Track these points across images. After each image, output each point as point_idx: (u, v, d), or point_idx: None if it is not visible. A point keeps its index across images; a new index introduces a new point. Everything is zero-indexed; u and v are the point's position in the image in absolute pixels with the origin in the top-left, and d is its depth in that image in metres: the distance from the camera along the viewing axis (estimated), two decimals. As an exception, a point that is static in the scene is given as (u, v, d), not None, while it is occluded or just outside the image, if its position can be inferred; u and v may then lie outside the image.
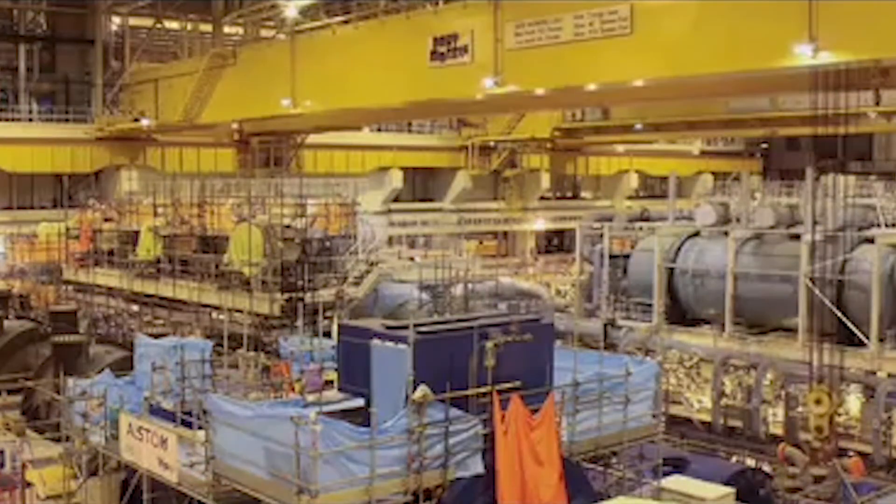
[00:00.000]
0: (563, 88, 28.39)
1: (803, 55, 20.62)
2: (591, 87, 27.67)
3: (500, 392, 12.87)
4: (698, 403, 26.32)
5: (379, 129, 59.44)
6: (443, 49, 28.85)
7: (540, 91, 28.87)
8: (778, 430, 24.09)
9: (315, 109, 36.66)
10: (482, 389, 12.91)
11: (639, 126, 51.32)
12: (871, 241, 23.70)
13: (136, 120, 46.10)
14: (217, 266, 29.79)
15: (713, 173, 67.02)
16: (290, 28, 40.45)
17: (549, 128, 55.75)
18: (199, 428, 13.49)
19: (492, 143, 58.34)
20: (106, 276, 35.75)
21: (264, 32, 49.46)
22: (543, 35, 26.01)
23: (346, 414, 12.98)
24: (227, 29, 49.86)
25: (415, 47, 29.82)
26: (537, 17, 26.12)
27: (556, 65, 26.01)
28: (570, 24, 25.22)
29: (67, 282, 38.44)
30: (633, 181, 68.77)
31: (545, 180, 64.16)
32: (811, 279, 23.83)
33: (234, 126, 47.56)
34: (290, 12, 40.55)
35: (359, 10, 39.39)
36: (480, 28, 27.76)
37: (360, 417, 12.78)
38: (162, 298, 32.31)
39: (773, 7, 21.35)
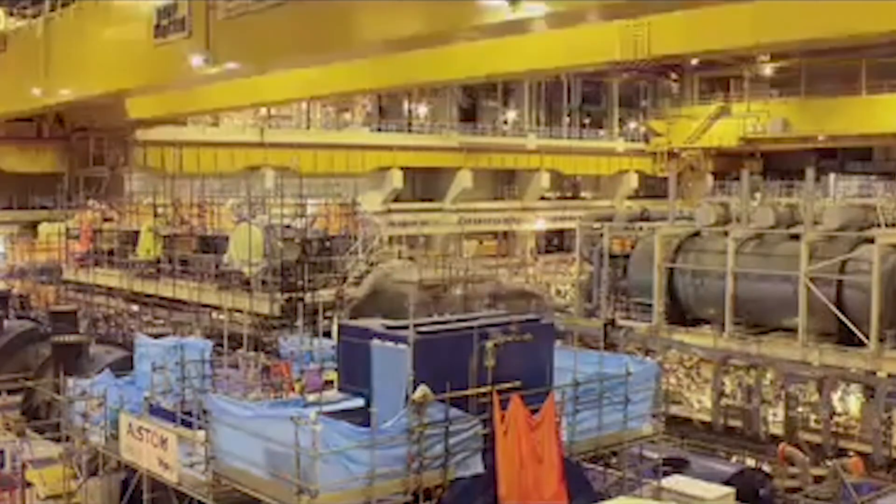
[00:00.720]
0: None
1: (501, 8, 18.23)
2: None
3: (500, 392, 12.86)
4: (698, 403, 26.32)
5: (379, 129, 59.56)
6: (164, 22, 25.41)
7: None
8: (778, 430, 24.08)
9: (66, 99, 33.69)
10: (482, 389, 12.91)
11: (821, 137, 56.35)
12: (871, 241, 23.68)
13: None
14: (217, 266, 29.80)
15: (713, 174, 67.33)
16: (45, 12, 36.40)
17: (737, 138, 63.85)
18: (199, 428, 13.48)
19: (675, 150, 67.35)
20: (106, 276, 35.75)
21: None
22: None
23: (346, 414, 12.97)
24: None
25: (141, 22, 26.62)
26: None
27: (270, 36, 22.57)
28: None
29: (67, 282, 38.43)
30: (633, 181, 68.88)
31: (545, 180, 64.35)
32: (811, 279, 23.87)
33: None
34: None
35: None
36: None
37: (360, 417, 12.77)
38: (162, 298, 32.31)
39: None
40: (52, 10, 34.68)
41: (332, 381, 15.01)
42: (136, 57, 27.49)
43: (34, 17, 37.95)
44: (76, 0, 32.63)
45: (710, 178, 66.91)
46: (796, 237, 24.97)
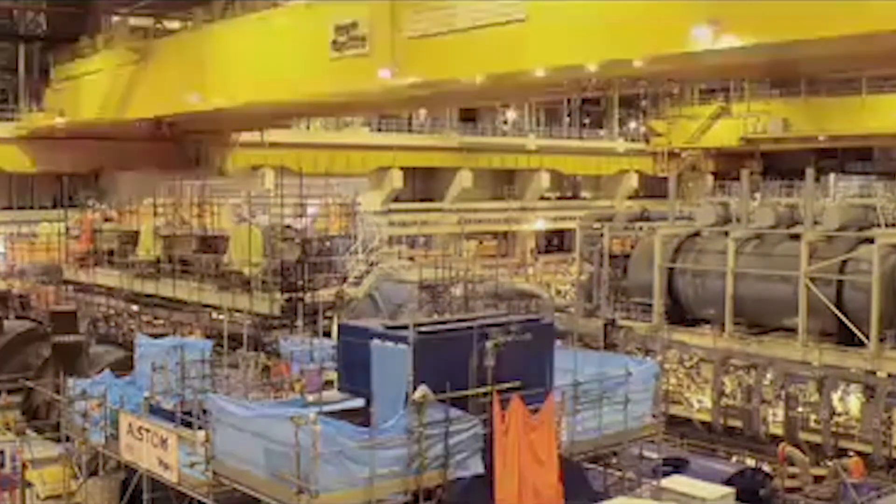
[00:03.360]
0: (451, 80, 26.91)
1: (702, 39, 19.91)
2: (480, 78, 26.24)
3: (500, 392, 12.87)
4: (698, 403, 26.32)
5: (379, 129, 59.51)
6: (343, 39, 27.26)
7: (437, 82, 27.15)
8: (778, 430, 24.08)
9: (223, 105, 34.67)
10: (482, 389, 12.91)
11: (821, 137, 56.24)
12: (871, 241, 23.68)
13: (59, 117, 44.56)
14: (217, 266, 29.79)
15: (713, 173, 67.34)
16: (198, 18, 37.97)
17: (738, 138, 63.51)
18: (199, 428, 13.49)
19: (676, 150, 67.09)
20: (106, 276, 35.75)
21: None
22: (439, 23, 24.45)
23: (346, 414, 12.98)
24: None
25: (316, 37, 28.25)
26: (433, 5, 24.72)
27: (450, 54, 24.70)
28: (465, 12, 23.90)
29: (67, 282, 38.43)
30: (634, 181, 68.89)
31: (545, 180, 64.36)
32: (811, 279, 23.86)
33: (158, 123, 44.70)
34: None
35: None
36: (378, 15, 26.10)
37: (360, 417, 12.78)
38: (162, 298, 32.30)
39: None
40: (210, 19, 36.12)
41: (332, 381, 15.02)
42: (309, 69, 29.19)
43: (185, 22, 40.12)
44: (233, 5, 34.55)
45: (710, 178, 66.91)
46: (796, 237, 24.96)
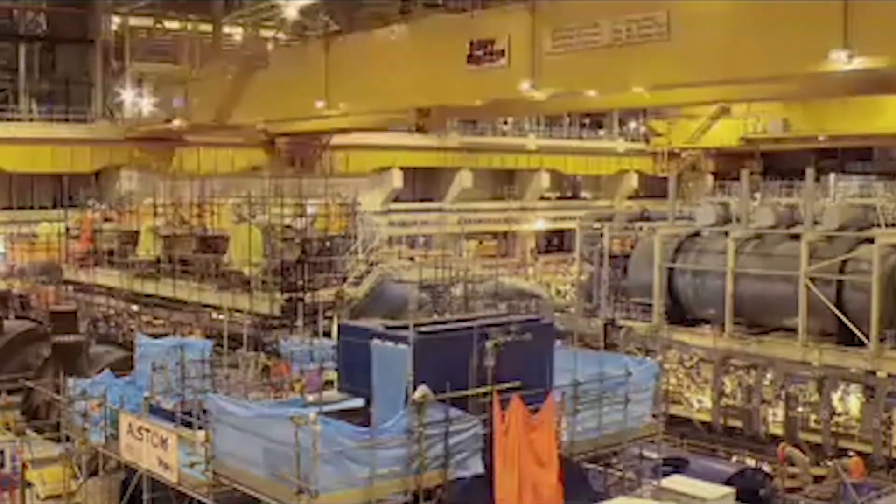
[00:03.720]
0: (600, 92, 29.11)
1: (838, 60, 21.00)
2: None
3: (500, 392, 12.87)
4: (698, 403, 26.32)
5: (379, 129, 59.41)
6: (479, 53, 29.35)
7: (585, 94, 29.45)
8: (778, 430, 24.09)
9: (349, 111, 37.02)
10: (482, 389, 12.91)
11: (822, 137, 56.07)
12: (871, 241, 23.68)
13: (168, 121, 45.95)
14: (217, 266, 29.79)
15: (713, 173, 67.30)
16: (323, 30, 40.83)
17: (738, 138, 63.01)
18: (199, 428, 13.49)
19: (677, 150, 66.58)
20: (106, 276, 35.76)
21: (264, 32, 49.32)
22: (581, 40, 26.61)
23: (346, 414, 12.97)
24: (226, 29, 49.81)
25: (451, 50, 30.24)
26: (575, 23, 26.72)
27: (593, 69, 26.66)
28: (608, 30, 25.79)
29: (67, 282, 38.44)
30: (634, 181, 68.86)
31: (545, 180, 64.35)
32: (811, 279, 23.86)
33: (260, 127, 47.18)
34: (290, 12, 40.44)
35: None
36: (517, 32, 28.30)
37: (360, 417, 12.78)
38: (162, 298, 32.31)
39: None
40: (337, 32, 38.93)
41: (332, 381, 15.02)
42: (444, 79, 31.18)
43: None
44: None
45: (710, 178, 66.87)
46: (796, 237, 24.97)
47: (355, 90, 35.30)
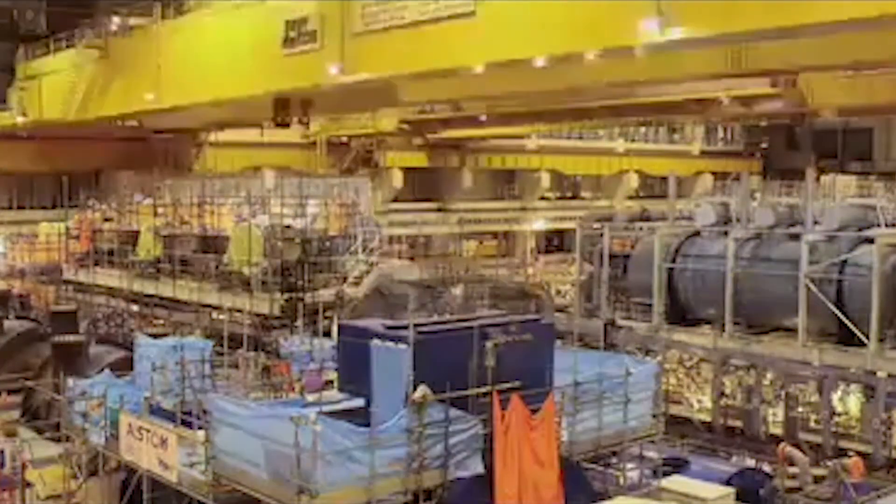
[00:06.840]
0: (409, 74, 25.92)
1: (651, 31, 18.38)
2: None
3: (500, 392, 12.87)
4: (698, 403, 26.32)
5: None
6: (293, 34, 26.69)
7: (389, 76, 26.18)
8: (778, 430, 24.09)
9: (178, 103, 33.50)
10: (482, 389, 12.91)
11: (483, 118, 46.20)
12: (871, 241, 23.68)
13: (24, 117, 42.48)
14: (217, 266, 29.79)
15: (713, 173, 67.13)
16: (155, 14, 35.68)
17: (396, 121, 50.05)
18: (199, 428, 13.49)
19: (345, 139, 53.90)
20: (106, 276, 35.75)
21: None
22: (388, 16, 23.72)
23: (346, 414, 12.98)
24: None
25: (269, 33, 27.47)
26: None
27: (401, 49, 23.86)
28: (414, 6, 23.06)
29: (67, 282, 38.44)
30: (633, 181, 68.83)
31: (545, 180, 64.31)
32: (811, 279, 23.86)
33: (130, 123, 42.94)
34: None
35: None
36: (329, 11, 25.37)
37: (360, 417, 12.78)
38: (162, 298, 32.31)
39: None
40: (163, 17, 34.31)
41: (332, 381, 15.02)
42: (263, 65, 28.41)
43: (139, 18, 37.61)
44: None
45: (710, 178, 66.83)
46: (796, 237, 24.97)
47: (182, 80, 32.01)
